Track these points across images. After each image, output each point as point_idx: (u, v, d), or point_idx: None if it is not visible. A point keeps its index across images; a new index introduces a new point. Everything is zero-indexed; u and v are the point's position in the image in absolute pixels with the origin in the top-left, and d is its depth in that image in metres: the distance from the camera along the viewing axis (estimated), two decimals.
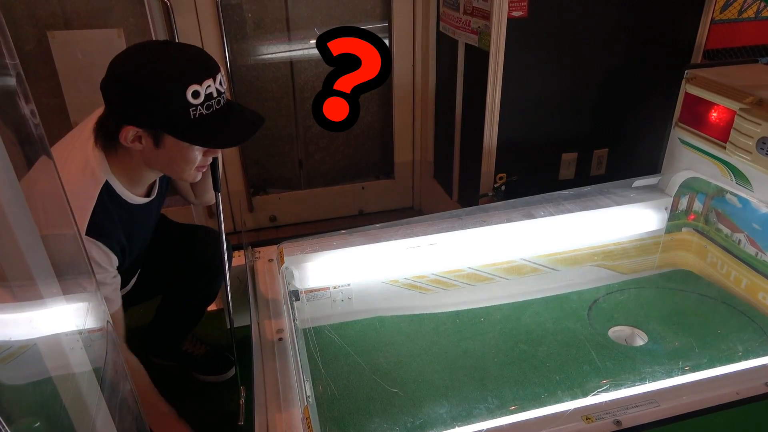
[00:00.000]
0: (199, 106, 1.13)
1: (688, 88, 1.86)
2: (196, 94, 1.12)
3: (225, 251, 1.46)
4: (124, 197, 1.28)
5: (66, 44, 2.19)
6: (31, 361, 0.79)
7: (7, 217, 0.67)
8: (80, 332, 0.91)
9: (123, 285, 1.45)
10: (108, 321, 0.97)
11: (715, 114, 1.77)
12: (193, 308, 1.73)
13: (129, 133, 1.14)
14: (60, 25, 2.22)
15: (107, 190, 1.23)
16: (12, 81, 0.72)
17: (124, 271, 1.38)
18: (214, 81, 1.15)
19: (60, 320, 0.84)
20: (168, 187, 1.52)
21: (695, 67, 1.87)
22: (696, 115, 1.86)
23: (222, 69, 1.21)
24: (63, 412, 0.80)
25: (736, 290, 1.95)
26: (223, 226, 1.45)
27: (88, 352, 0.88)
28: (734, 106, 1.67)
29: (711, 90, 1.77)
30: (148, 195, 1.37)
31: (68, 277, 0.88)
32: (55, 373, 0.81)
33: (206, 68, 1.15)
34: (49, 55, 2.19)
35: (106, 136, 1.19)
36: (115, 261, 1.25)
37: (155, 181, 1.38)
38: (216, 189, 1.40)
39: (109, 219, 1.23)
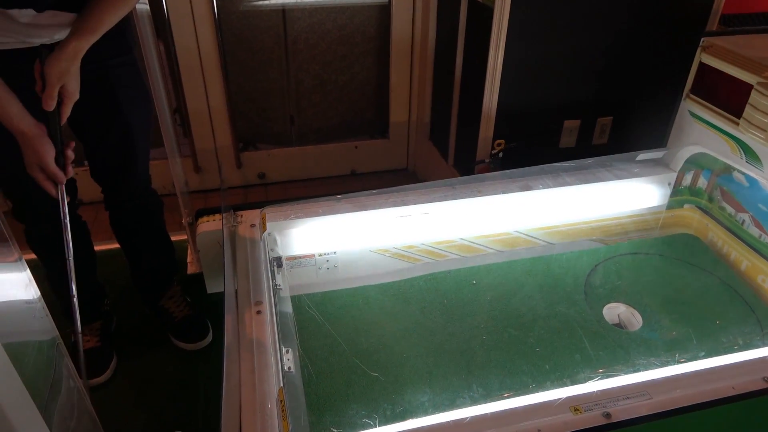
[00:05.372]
0: None
1: (703, 58, 1.74)
2: None
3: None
4: None
5: None
6: None
7: None
8: None
9: None
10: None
11: (730, 87, 1.66)
12: (158, 271, 1.72)
13: None
14: None
15: None
16: None
17: None
18: None
19: None
20: None
21: (712, 35, 1.75)
22: (709, 87, 1.74)
23: None
24: None
25: (736, 272, 1.89)
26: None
27: None
28: (752, 79, 1.56)
29: (728, 61, 1.65)
30: None
31: None
32: None
33: None
34: None
35: None
36: None
37: None
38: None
39: None
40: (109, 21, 1.19)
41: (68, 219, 1.24)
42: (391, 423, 1.14)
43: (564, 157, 1.97)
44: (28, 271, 0.90)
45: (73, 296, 1.26)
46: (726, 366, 1.29)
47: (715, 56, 1.70)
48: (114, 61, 1.34)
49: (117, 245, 1.69)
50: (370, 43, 2.65)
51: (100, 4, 1.18)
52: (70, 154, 1.22)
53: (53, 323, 0.97)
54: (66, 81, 1.14)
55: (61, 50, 1.13)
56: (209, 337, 1.74)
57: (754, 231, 1.83)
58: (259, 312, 1.39)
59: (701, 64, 1.76)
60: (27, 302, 0.88)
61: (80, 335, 1.30)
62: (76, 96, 1.18)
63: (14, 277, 0.85)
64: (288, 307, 1.64)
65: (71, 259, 1.23)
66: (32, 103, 1.16)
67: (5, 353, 0.69)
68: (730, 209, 1.91)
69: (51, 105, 1.15)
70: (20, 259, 0.87)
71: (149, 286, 1.75)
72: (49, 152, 1.16)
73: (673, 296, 1.79)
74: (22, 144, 1.16)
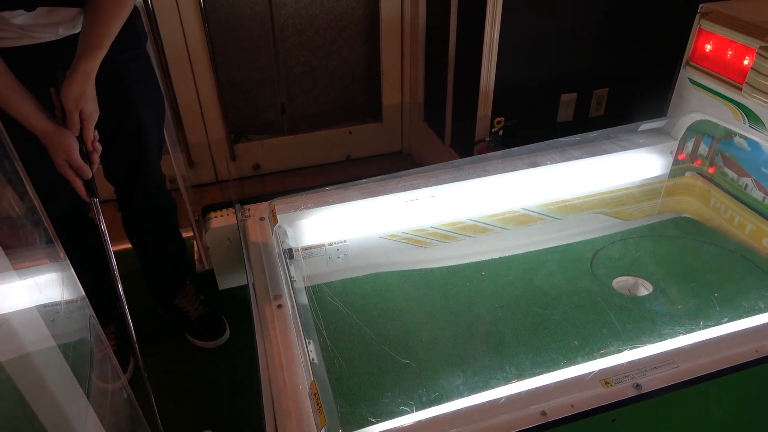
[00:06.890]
0: None
1: (702, 24, 1.74)
2: None
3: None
4: None
5: None
6: None
7: None
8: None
9: None
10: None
11: (731, 53, 1.66)
12: (172, 271, 1.69)
13: None
14: None
15: None
16: None
17: None
18: None
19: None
20: None
21: (711, 1, 1.75)
22: (710, 54, 1.75)
23: None
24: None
25: (739, 236, 1.91)
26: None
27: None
28: (754, 44, 1.57)
29: (728, 26, 1.65)
30: None
31: (17, 249, 0.78)
32: None
33: None
34: None
35: None
36: None
37: None
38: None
39: None
40: (112, 32, 1.17)
41: (107, 234, 1.22)
42: (428, 408, 1.14)
43: (562, 131, 1.97)
44: (72, 270, 0.90)
45: (126, 315, 1.24)
46: (747, 330, 1.31)
47: (714, 22, 1.70)
48: (125, 55, 1.30)
49: (126, 246, 1.66)
50: (359, 26, 2.61)
51: (100, 16, 1.15)
52: (98, 146, 1.21)
53: (92, 311, 0.98)
54: (83, 104, 1.13)
55: (73, 75, 1.11)
56: (227, 334, 1.72)
57: (758, 194, 1.85)
58: (279, 306, 1.38)
59: (700, 31, 1.76)
60: (69, 300, 0.88)
61: (136, 343, 1.30)
62: (95, 117, 1.17)
63: (58, 276, 0.85)
64: (304, 299, 1.63)
65: (117, 273, 1.21)
66: (47, 101, 1.14)
67: (58, 349, 0.70)
68: (732, 174, 1.93)
69: (76, 130, 1.14)
70: (65, 259, 0.87)
71: (163, 286, 1.72)
72: (74, 146, 1.15)
73: (685, 267, 1.82)
74: (46, 142, 1.14)
